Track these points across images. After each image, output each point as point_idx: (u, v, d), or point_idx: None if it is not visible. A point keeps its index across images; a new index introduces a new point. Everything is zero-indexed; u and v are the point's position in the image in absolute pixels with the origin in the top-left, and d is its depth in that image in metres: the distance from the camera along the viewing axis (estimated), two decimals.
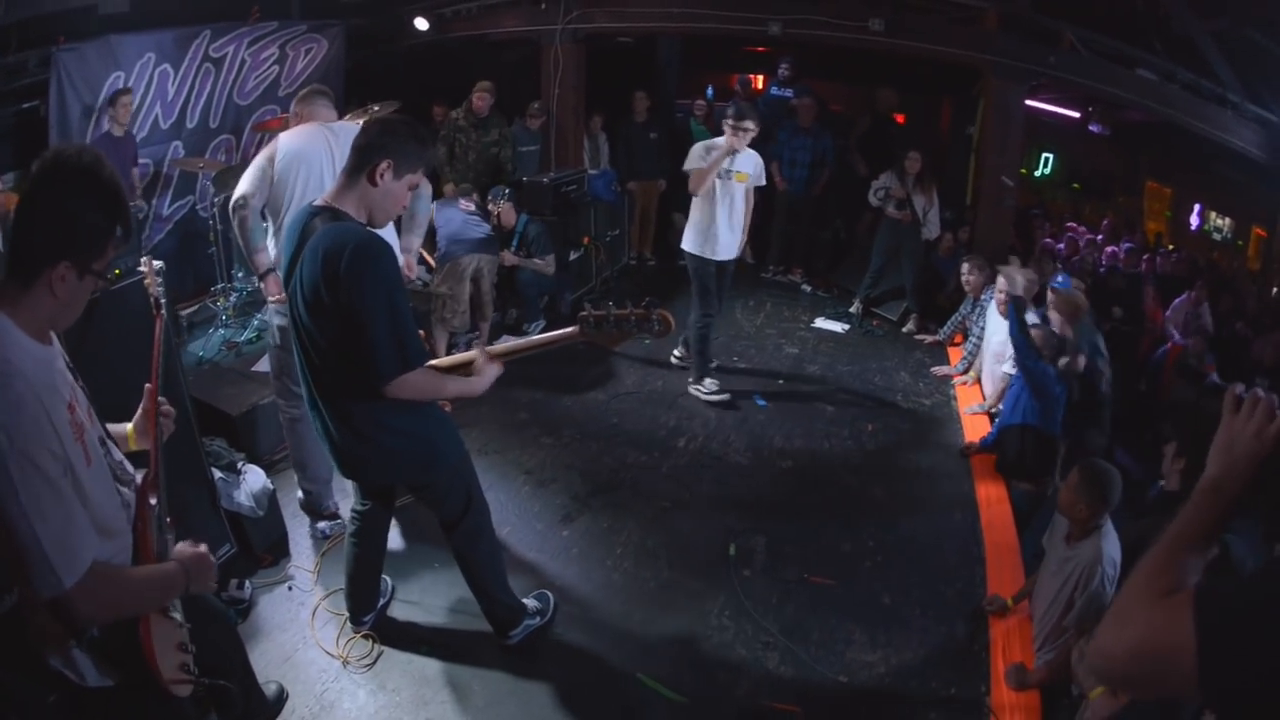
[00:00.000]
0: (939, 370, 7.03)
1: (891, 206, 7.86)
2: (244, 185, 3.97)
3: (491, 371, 3.02)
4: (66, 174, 1.84)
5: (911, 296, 8.07)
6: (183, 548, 2.15)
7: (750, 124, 5.74)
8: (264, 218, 4.12)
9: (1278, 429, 1.30)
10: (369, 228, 2.85)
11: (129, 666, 2.00)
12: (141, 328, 2.99)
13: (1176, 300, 8.23)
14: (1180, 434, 3.85)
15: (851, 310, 8.34)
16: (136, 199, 6.55)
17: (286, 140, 4.02)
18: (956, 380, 6.85)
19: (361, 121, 4.73)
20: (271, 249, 4.10)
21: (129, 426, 2.35)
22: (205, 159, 7.13)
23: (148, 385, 2.38)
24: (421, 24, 9.14)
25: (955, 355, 7.25)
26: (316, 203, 2.86)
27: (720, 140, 5.86)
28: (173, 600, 2.13)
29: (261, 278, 4.19)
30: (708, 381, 6.31)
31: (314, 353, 2.86)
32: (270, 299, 4.13)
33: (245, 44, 7.47)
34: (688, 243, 6.13)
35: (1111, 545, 3.40)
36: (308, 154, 3.97)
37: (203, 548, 2.19)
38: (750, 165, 6.00)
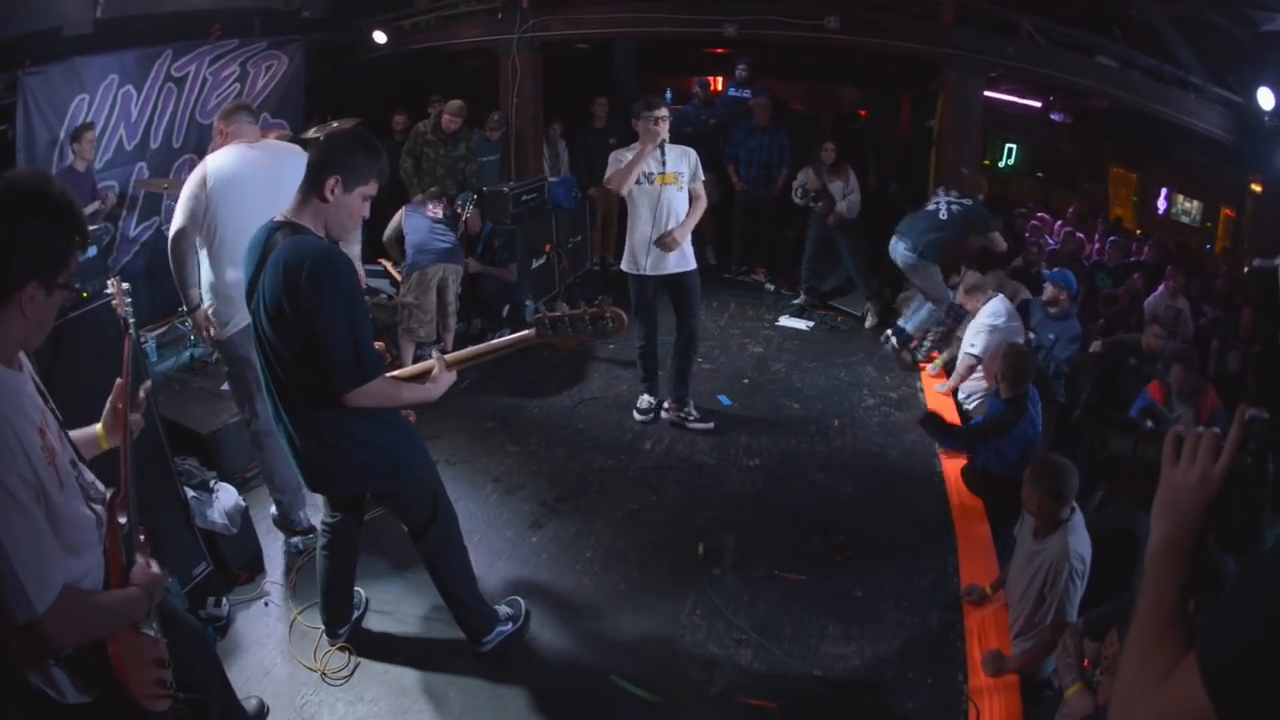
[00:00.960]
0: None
1: (810, 200, 7.91)
2: (180, 219, 3.91)
3: (446, 378, 3.07)
4: (18, 197, 1.86)
5: (861, 285, 8.12)
6: (139, 571, 2.17)
7: (662, 110, 5.31)
8: (199, 245, 4.08)
9: (1224, 466, 1.20)
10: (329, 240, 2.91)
11: (103, 682, 2.02)
12: (111, 349, 3.00)
13: (1154, 294, 7.88)
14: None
15: (797, 302, 8.41)
16: (97, 225, 6.51)
17: (216, 163, 3.96)
18: (926, 371, 6.91)
19: (288, 140, 4.71)
20: (206, 273, 4.07)
21: (98, 427, 2.35)
22: (169, 179, 7.07)
23: (118, 380, 2.37)
24: (380, 37, 9.16)
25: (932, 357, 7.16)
26: (277, 218, 2.91)
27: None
28: (138, 620, 2.15)
29: (190, 312, 4.15)
30: (643, 398, 6.03)
31: (278, 365, 2.91)
32: (204, 333, 4.16)
33: (206, 62, 7.45)
34: (623, 260, 5.72)
35: (1078, 540, 3.41)
36: (242, 177, 3.94)
37: (155, 567, 2.22)
38: (678, 164, 5.44)
